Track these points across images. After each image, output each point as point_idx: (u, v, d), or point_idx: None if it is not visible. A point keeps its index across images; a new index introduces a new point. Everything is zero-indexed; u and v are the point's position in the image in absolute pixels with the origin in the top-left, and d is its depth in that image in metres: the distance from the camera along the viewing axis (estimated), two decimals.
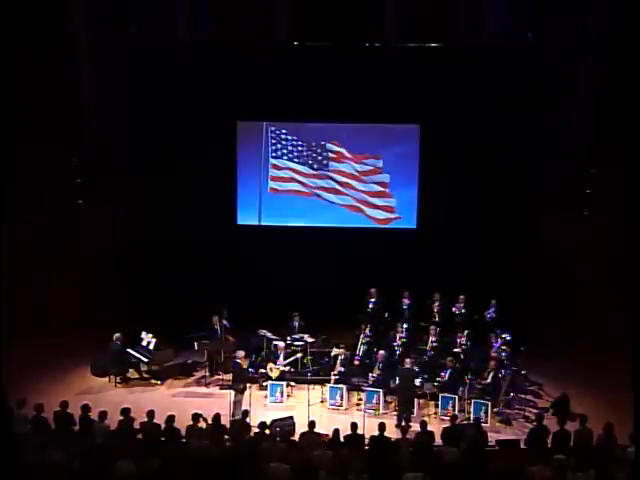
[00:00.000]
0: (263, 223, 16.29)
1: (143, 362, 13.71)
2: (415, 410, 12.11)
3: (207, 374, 13.69)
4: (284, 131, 16.00)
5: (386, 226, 16.11)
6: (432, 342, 13.60)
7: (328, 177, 16.07)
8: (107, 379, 13.61)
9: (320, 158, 16.03)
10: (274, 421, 11.35)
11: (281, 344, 13.55)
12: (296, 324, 14.37)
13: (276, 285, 15.51)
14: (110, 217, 15.96)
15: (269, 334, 14.07)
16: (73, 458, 8.95)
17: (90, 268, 15.99)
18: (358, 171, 16.01)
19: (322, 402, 12.57)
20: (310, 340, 13.99)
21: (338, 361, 13.00)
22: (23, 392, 11.09)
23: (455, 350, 13.52)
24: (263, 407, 12.39)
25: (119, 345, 13.53)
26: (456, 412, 11.78)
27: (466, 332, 13.86)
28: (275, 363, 13.22)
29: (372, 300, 14.81)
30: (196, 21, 15.59)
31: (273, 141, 16.01)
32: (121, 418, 10.12)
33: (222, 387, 13.17)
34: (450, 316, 14.53)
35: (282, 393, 12.66)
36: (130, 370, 13.75)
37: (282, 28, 15.38)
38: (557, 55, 15.00)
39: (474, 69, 15.13)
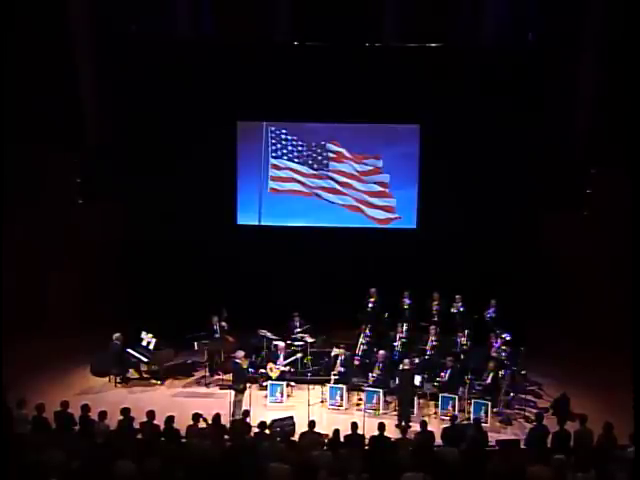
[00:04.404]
0: (263, 223, 16.26)
1: (143, 362, 13.72)
2: (415, 410, 12.11)
3: (207, 374, 13.70)
4: (284, 131, 15.98)
5: (386, 226, 16.09)
6: (432, 342, 13.61)
7: (328, 177, 16.06)
8: (107, 379, 13.61)
9: (320, 158, 16.01)
10: (274, 421, 11.34)
11: (281, 344, 13.54)
12: (296, 324, 14.37)
13: (276, 285, 15.52)
14: (110, 217, 15.98)
15: (269, 334, 14.06)
16: (73, 458, 8.94)
17: (90, 268, 16.00)
18: (358, 171, 16.00)
19: (322, 402, 12.58)
20: (310, 340, 13.99)
21: (338, 361, 13.00)
22: (23, 392, 11.07)
23: (455, 350, 13.52)
24: (263, 407, 12.39)
25: (119, 345, 13.53)
26: (456, 412, 11.78)
27: (466, 332, 13.87)
28: (275, 363, 13.21)
29: (372, 300, 14.77)
30: (196, 21, 15.60)
31: (273, 141, 16.00)
32: (121, 418, 10.13)
33: (222, 387, 13.18)
34: (450, 316, 14.51)
35: (282, 393, 12.67)
36: (130, 370, 13.76)
37: (282, 28, 15.39)
38: (557, 55, 15.01)
39: (474, 69, 15.13)
